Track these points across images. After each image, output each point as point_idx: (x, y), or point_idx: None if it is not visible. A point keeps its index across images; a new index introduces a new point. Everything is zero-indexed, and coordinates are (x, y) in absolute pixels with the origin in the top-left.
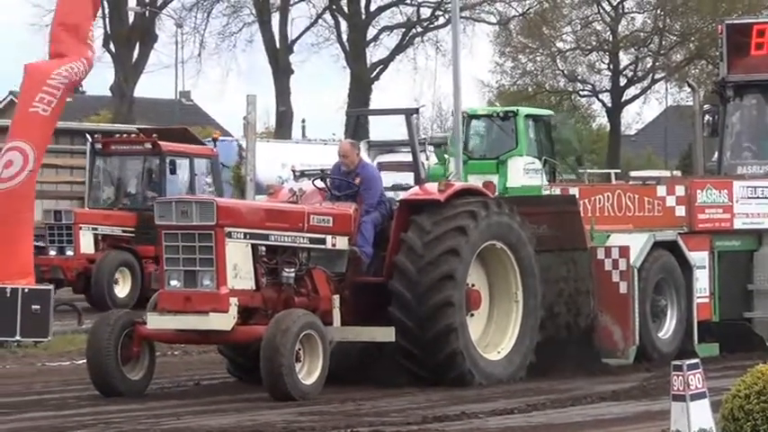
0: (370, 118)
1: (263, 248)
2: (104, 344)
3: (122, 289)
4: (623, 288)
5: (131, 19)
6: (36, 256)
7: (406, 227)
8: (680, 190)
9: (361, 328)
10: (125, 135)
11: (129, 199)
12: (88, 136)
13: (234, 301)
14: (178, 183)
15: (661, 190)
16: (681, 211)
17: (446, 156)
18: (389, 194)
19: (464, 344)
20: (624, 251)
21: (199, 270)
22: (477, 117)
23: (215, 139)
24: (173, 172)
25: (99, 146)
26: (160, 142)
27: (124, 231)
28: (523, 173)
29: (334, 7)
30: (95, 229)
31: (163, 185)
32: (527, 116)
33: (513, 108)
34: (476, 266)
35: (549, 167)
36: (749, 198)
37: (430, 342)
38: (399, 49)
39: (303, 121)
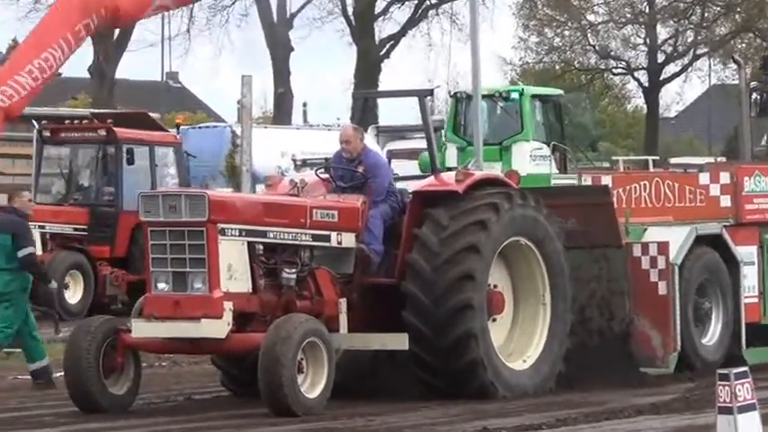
0: (379, 101)
1: (261, 247)
2: (84, 354)
3: (73, 294)
4: (662, 288)
5: None
6: None
7: (419, 221)
8: (725, 177)
9: (370, 335)
10: (76, 121)
11: (81, 193)
12: (35, 122)
13: (228, 305)
14: (137, 174)
15: (704, 178)
16: (726, 201)
17: (443, 141)
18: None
19: (485, 352)
20: (663, 247)
21: (189, 271)
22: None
23: (178, 125)
24: (130, 162)
25: (47, 133)
26: (116, 129)
27: (75, 229)
28: (530, 160)
29: None
30: (43, 227)
31: (119, 177)
32: (533, 96)
33: (518, 87)
34: (498, 265)
35: (559, 154)
36: None
37: (447, 350)
38: (411, 23)
39: (304, 104)
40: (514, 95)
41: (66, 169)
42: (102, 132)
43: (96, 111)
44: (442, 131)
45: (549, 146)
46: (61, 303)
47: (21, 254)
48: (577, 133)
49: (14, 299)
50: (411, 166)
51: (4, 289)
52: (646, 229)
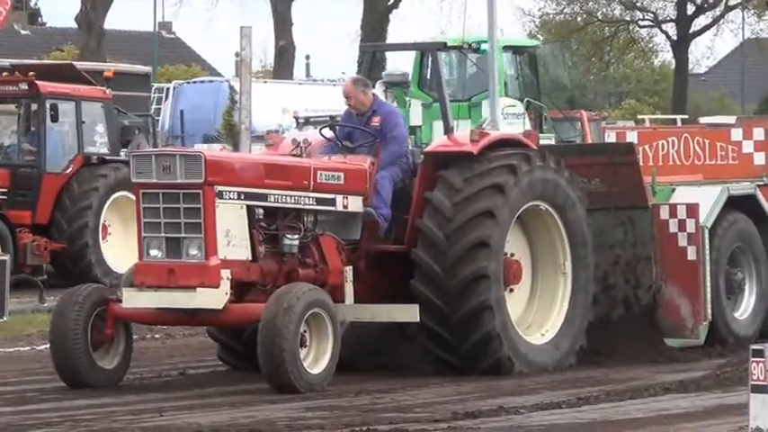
0: (388, 54)
1: (261, 211)
2: (71, 325)
3: None
4: (692, 254)
5: None
6: None
7: (431, 184)
8: (759, 133)
9: (378, 306)
10: None
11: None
12: None
13: (226, 273)
14: (61, 132)
15: (736, 133)
16: (760, 158)
17: (407, 98)
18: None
19: (501, 325)
20: (692, 209)
21: (184, 237)
22: (445, 49)
23: (108, 78)
24: (54, 119)
25: None
26: (38, 82)
27: None
28: (501, 118)
29: None
30: None
31: (42, 136)
32: (506, 48)
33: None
34: (515, 232)
35: (534, 112)
36: None
37: (461, 322)
38: None
39: (307, 57)
40: (485, 47)
41: None
42: (24, 86)
43: (18, 62)
44: (404, 86)
45: (522, 102)
46: None
47: None
48: (557, 89)
49: None
50: None
51: None
52: (674, 189)
